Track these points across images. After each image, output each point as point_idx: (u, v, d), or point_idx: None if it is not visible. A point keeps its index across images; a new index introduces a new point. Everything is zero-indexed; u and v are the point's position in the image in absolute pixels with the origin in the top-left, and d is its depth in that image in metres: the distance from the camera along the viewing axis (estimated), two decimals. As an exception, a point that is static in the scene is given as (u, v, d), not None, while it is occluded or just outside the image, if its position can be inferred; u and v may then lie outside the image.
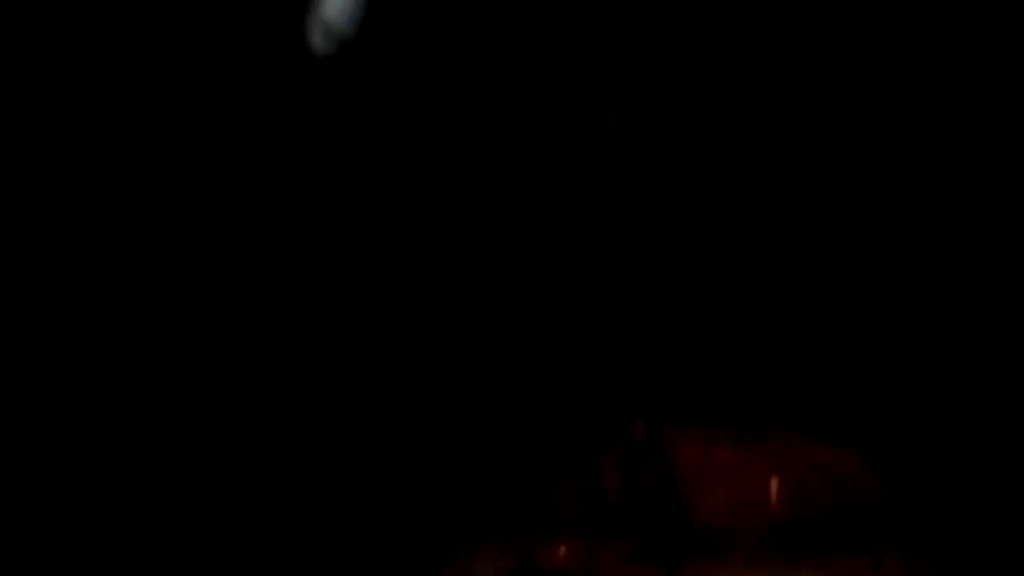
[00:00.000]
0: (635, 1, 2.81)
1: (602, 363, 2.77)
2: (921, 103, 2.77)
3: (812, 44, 2.79)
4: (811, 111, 2.80)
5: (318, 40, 2.77)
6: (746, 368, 2.77)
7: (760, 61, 2.79)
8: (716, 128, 2.81)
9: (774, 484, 2.64)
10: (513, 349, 2.77)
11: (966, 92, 2.76)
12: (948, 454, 2.66)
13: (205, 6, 2.73)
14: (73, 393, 2.64)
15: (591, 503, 2.66)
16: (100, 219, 2.71)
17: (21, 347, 2.64)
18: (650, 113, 2.81)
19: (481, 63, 2.80)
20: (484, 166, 2.80)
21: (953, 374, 2.71)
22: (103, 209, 2.71)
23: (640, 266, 2.80)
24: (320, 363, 2.73)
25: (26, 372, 2.63)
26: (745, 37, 2.80)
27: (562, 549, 2.59)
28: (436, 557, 2.61)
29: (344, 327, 2.74)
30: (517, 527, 2.64)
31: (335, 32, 2.77)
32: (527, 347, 2.77)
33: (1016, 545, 2.55)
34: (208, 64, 2.73)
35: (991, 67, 2.75)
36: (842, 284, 2.78)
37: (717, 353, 2.78)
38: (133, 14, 2.71)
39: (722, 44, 2.80)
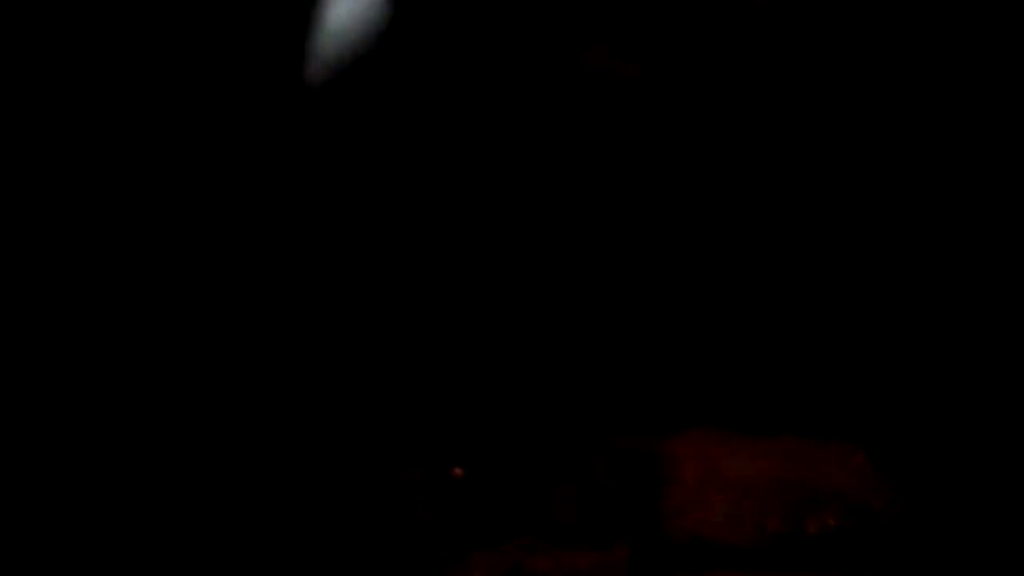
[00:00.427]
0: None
1: (601, 364, 2.71)
2: (921, 104, 2.71)
3: (811, 44, 2.74)
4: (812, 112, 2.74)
5: (327, 49, 2.76)
6: (750, 369, 2.70)
7: (760, 62, 2.75)
8: (718, 127, 2.76)
9: (777, 496, 2.55)
10: (507, 349, 2.72)
11: (966, 92, 2.69)
12: (961, 463, 2.57)
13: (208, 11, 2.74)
14: (72, 393, 2.64)
15: (586, 510, 2.59)
16: (99, 219, 2.71)
17: (21, 347, 2.64)
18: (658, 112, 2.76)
19: (486, 64, 2.77)
20: (485, 167, 2.77)
21: (960, 373, 2.62)
22: (102, 209, 2.71)
23: (638, 264, 2.74)
24: (307, 358, 2.70)
25: (26, 372, 2.63)
26: (744, 37, 2.76)
27: (555, 557, 2.52)
28: (426, 565, 2.55)
29: (335, 323, 2.71)
30: (509, 534, 2.58)
31: (346, 41, 2.76)
32: (521, 347, 2.72)
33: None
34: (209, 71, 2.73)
35: (991, 67, 2.68)
36: (844, 282, 2.70)
37: (719, 354, 2.71)
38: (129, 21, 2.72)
39: (721, 44, 2.76)
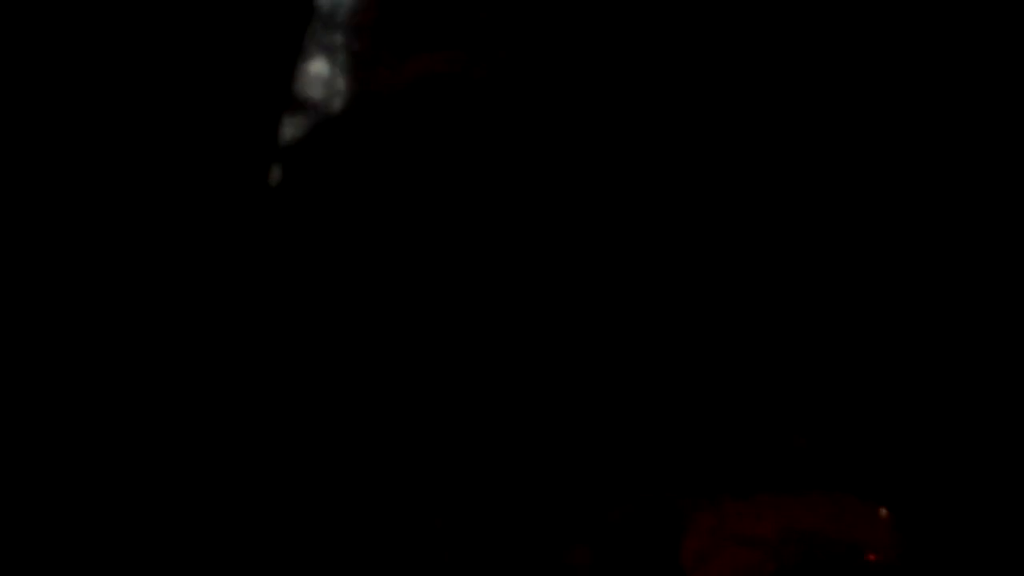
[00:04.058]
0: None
1: (618, 418, 2.74)
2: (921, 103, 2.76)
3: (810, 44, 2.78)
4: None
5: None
6: (758, 432, 2.75)
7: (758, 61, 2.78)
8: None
9: (789, 548, 2.61)
10: (527, 397, 2.74)
11: (966, 92, 2.75)
12: (970, 511, 2.63)
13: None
14: (73, 393, 2.65)
15: (602, 560, 2.64)
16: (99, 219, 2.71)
17: (21, 347, 2.65)
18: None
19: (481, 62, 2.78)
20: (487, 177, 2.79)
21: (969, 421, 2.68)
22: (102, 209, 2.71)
23: (655, 330, 2.77)
24: (325, 366, 2.71)
25: (26, 372, 2.64)
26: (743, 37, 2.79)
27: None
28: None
29: (357, 350, 2.73)
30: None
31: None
32: (541, 397, 2.74)
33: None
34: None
35: (991, 67, 2.74)
36: (854, 344, 2.75)
37: (729, 417, 2.75)
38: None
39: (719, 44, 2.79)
